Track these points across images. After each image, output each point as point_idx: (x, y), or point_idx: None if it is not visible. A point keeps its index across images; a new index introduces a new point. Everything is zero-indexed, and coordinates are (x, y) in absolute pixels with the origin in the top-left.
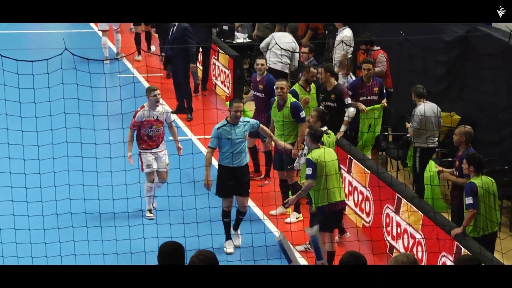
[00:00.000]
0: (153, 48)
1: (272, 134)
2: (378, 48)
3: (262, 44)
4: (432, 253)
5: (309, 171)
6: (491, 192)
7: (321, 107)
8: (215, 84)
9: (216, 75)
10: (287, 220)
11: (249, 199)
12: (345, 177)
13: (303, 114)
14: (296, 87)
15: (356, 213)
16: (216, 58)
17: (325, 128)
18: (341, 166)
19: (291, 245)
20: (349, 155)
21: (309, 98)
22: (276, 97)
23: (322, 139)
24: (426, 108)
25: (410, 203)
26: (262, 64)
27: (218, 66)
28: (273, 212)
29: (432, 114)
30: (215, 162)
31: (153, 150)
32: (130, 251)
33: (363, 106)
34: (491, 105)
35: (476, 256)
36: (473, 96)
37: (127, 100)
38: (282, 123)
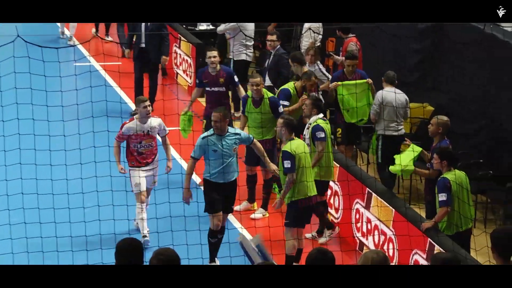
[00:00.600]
0: (109, 38)
1: (264, 154)
2: (352, 36)
3: (220, 27)
4: (403, 250)
5: (287, 164)
6: (464, 187)
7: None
8: (177, 73)
9: (178, 63)
10: (253, 216)
11: (171, 157)
12: None
13: (281, 109)
14: (290, 87)
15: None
16: (177, 46)
17: (321, 115)
18: None
19: (252, 245)
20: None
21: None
22: (250, 93)
23: (322, 126)
24: (387, 93)
25: (381, 197)
26: (214, 57)
27: (180, 54)
28: (237, 207)
29: (392, 101)
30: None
31: (144, 168)
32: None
33: (334, 83)
34: (465, 95)
35: (453, 254)
36: (447, 86)
37: (83, 90)
38: (260, 119)
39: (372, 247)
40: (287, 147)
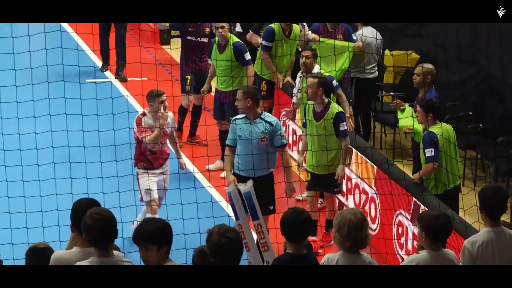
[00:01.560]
0: None
1: (289, 165)
2: None
3: None
4: (386, 210)
5: (343, 126)
6: (451, 141)
7: None
8: None
9: None
10: (223, 174)
11: (181, 153)
12: (289, 125)
13: (248, 56)
14: (276, 26)
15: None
16: None
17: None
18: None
19: (240, 200)
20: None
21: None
22: (216, 38)
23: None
24: (367, 33)
25: (361, 154)
26: (222, 27)
27: None
28: (211, 166)
29: (373, 42)
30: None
31: (155, 171)
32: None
33: (312, 35)
34: (452, 42)
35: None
36: (433, 32)
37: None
38: (225, 66)
39: (352, 207)
40: (337, 107)
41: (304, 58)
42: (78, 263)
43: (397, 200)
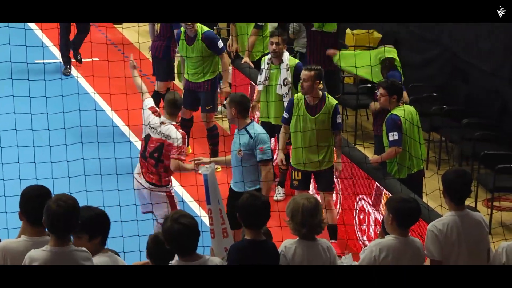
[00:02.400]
0: None
1: (267, 182)
2: None
3: None
4: (347, 195)
5: (339, 118)
6: (415, 123)
7: None
8: None
9: None
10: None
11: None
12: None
13: (221, 44)
14: None
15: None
16: None
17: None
18: None
19: (217, 185)
20: (250, 81)
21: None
22: (182, 29)
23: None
24: None
25: None
26: None
27: None
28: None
29: None
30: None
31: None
32: None
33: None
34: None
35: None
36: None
37: None
38: (196, 59)
39: (312, 192)
40: (333, 99)
41: (274, 45)
42: (32, 252)
43: (358, 184)
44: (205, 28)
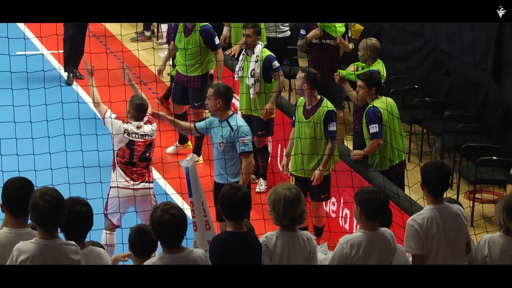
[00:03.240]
0: None
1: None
2: None
3: None
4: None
5: (333, 126)
6: (394, 115)
7: None
8: None
9: None
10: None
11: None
12: None
13: (217, 40)
14: None
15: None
16: None
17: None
18: None
19: (198, 177)
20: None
21: None
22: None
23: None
24: None
25: None
26: None
27: None
28: (169, 149)
29: None
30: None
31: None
32: None
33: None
34: None
35: (380, 189)
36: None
37: None
38: (192, 51)
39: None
40: (330, 105)
41: (245, 37)
42: (21, 244)
43: (340, 176)
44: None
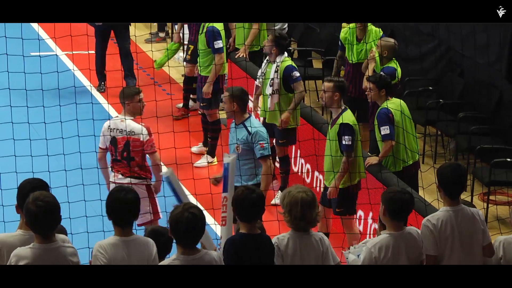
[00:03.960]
0: None
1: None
2: None
3: None
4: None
5: (349, 140)
6: (406, 115)
7: None
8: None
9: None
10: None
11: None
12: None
13: (219, 44)
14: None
15: None
16: None
17: (286, 54)
18: None
19: (179, 182)
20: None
21: None
22: None
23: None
24: None
25: (318, 130)
26: None
27: None
28: (193, 149)
29: None
30: None
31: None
32: None
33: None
34: None
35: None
36: None
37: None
38: (201, 50)
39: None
40: (347, 118)
41: (266, 41)
42: (19, 250)
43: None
44: (214, 24)
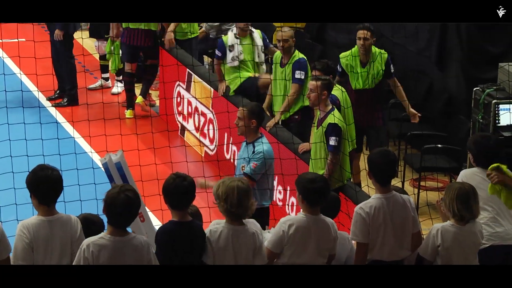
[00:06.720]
0: None
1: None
2: None
3: None
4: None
5: (335, 141)
6: (349, 105)
7: None
8: (182, 127)
9: (185, 113)
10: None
11: None
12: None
13: (217, 52)
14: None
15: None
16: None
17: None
18: None
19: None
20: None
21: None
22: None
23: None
24: None
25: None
26: None
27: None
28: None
29: None
30: None
31: None
32: None
33: None
34: None
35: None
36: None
37: None
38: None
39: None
40: (335, 118)
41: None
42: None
43: (285, 164)
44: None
